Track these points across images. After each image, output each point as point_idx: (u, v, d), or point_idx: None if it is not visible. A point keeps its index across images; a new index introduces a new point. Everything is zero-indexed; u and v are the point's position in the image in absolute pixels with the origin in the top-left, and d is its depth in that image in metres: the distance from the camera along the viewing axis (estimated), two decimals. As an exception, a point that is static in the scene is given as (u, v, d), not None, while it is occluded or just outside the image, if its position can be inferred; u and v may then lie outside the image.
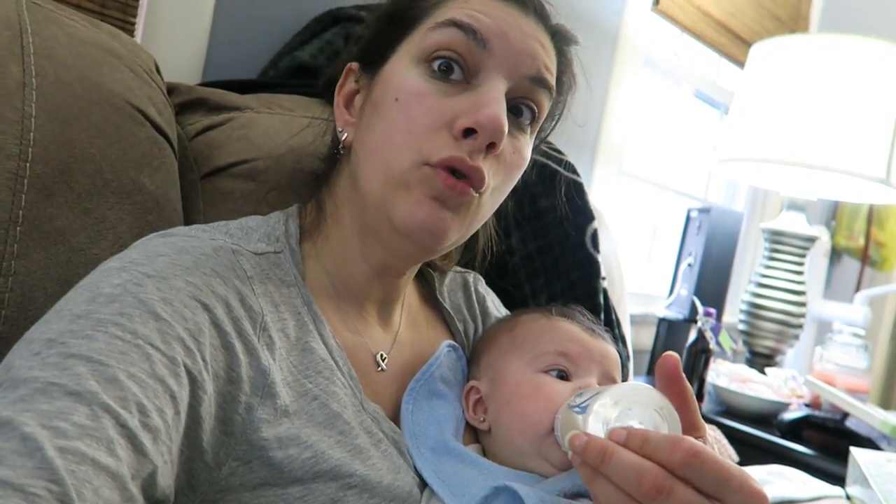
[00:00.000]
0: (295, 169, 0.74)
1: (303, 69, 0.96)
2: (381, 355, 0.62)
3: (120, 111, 0.63)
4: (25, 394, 0.36)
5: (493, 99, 0.52)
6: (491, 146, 0.53)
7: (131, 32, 0.92)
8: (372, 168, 0.55)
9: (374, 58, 0.59)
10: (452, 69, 0.54)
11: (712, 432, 1.37)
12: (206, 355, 0.45)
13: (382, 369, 0.61)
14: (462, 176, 0.53)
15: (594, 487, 0.44)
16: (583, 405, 0.50)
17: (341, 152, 0.61)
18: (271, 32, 1.05)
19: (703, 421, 0.50)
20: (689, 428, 0.48)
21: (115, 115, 0.62)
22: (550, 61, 0.58)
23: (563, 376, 0.61)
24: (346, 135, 0.60)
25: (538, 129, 0.62)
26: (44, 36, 0.59)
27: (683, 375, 0.48)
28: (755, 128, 1.61)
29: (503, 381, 0.62)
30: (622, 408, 0.47)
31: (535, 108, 0.58)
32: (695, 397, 0.49)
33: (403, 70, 0.55)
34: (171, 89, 0.80)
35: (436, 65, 0.54)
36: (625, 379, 1.14)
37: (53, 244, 0.56)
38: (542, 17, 0.58)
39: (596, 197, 1.72)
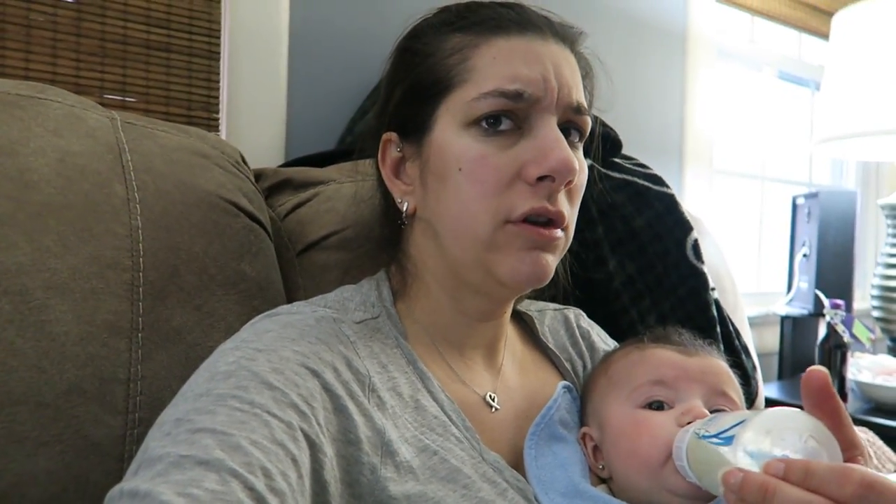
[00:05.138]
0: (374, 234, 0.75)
1: (377, 130, 0.99)
2: (490, 395, 0.61)
3: (215, 207, 0.66)
4: (161, 469, 0.38)
5: (555, 142, 0.54)
6: (567, 183, 0.55)
7: (217, 128, 0.99)
8: (456, 236, 0.57)
9: (413, 127, 0.59)
10: (501, 121, 0.55)
11: (864, 434, 1.25)
12: (321, 419, 0.46)
13: (495, 409, 0.61)
14: (546, 221, 0.54)
15: None
16: (725, 436, 0.46)
17: (405, 222, 0.62)
18: (343, 101, 1.09)
19: (858, 436, 0.46)
20: (847, 447, 0.44)
21: (211, 212, 0.66)
22: (578, 76, 0.59)
23: (661, 406, 0.59)
24: (406, 204, 0.60)
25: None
26: (140, 152, 0.64)
27: (835, 392, 0.44)
28: (854, 100, 1.50)
29: (607, 425, 0.61)
30: (773, 436, 0.43)
31: (581, 129, 0.59)
32: (846, 413, 0.45)
33: (454, 137, 0.56)
34: (259, 175, 0.84)
35: (484, 123, 0.55)
36: (756, 391, 1.08)
37: (172, 344, 0.59)
38: (556, 33, 0.58)
39: (690, 200, 1.65)
